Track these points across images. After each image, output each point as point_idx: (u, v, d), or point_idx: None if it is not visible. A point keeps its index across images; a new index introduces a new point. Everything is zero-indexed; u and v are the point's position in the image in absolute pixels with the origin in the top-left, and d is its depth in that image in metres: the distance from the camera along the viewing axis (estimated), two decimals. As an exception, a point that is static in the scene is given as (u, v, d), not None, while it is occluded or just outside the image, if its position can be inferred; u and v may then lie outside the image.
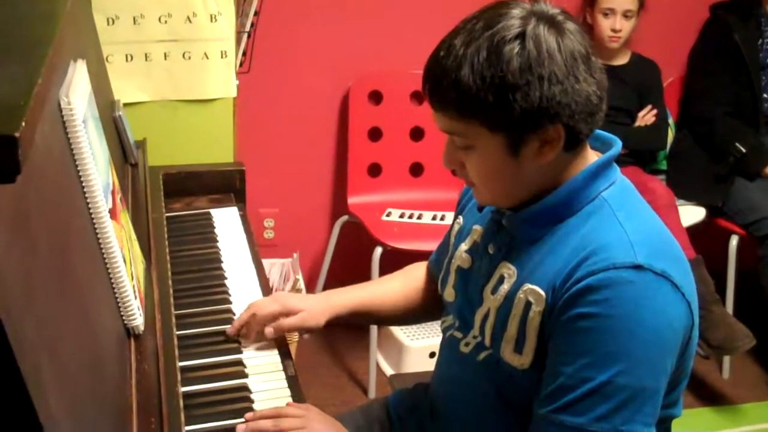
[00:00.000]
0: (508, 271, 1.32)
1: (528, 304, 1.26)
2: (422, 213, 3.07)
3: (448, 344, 1.49)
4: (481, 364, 1.38)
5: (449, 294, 1.48)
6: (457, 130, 1.25)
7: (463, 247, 1.45)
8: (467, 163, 1.29)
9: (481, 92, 1.19)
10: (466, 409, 1.44)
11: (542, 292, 1.25)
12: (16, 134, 0.60)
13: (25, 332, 0.77)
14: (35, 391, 0.75)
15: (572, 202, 1.27)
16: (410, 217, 3.06)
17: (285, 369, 1.55)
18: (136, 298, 1.34)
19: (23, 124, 0.61)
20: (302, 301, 1.60)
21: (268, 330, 1.55)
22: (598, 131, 1.34)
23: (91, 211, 1.24)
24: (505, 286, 1.31)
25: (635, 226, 1.24)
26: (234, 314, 1.69)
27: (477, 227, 1.44)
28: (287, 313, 1.57)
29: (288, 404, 1.44)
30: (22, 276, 0.80)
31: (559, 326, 1.22)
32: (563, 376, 1.20)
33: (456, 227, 1.53)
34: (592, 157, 1.31)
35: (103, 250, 1.26)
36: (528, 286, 1.27)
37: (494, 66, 1.18)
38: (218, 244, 1.96)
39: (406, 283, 1.69)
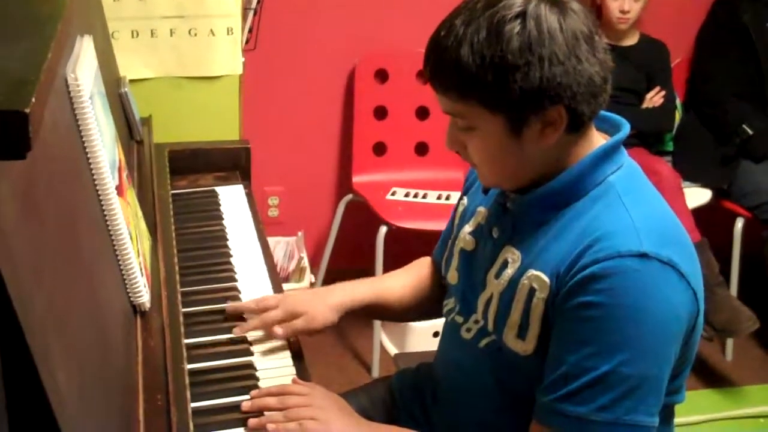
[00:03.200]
0: (512, 256, 1.31)
1: (532, 291, 1.26)
2: (427, 192, 3.07)
3: (450, 328, 1.49)
4: (482, 351, 1.37)
5: (452, 276, 1.47)
6: (458, 111, 1.24)
7: (467, 229, 1.45)
8: (469, 145, 1.28)
9: (480, 72, 1.18)
10: (466, 395, 1.44)
11: (546, 279, 1.23)
12: (27, 110, 0.60)
13: (35, 309, 0.77)
14: (44, 368, 0.75)
15: (578, 186, 1.26)
16: (415, 196, 3.05)
17: (290, 347, 1.55)
18: (142, 275, 1.34)
19: (33, 99, 0.61)
20: (306, 303, 1.57)
21: (278, 330, 1.53)
22: (606, 113, 1.32)
23: (97, 187, 1.24)
24: (509, 271, 1.30)
25: (642, 212, 1.23)
26: (239, 292, 1.69)
27: (481, 209, 1.43)
28: (292, 317, 1.55)
29: (293, 380, 1.44)
30: (32, 252, 0.80)
31: (563, 314, 1.21)
32: (566, 365, 1.19)
33: (461, 208, 1.52)
34: (598, 139, 1.30)
35: (110, 227, 1.26)
36: (532, 271, 1.26)
37: (494, 45, 1.17)
38: (224, 222, 1.96)
39: (413, 278, 1.67)
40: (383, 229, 2.88)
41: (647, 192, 1.30)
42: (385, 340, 3.06)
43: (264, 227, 1.98)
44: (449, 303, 1.50)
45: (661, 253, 1.18)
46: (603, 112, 1.31)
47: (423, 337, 2.91)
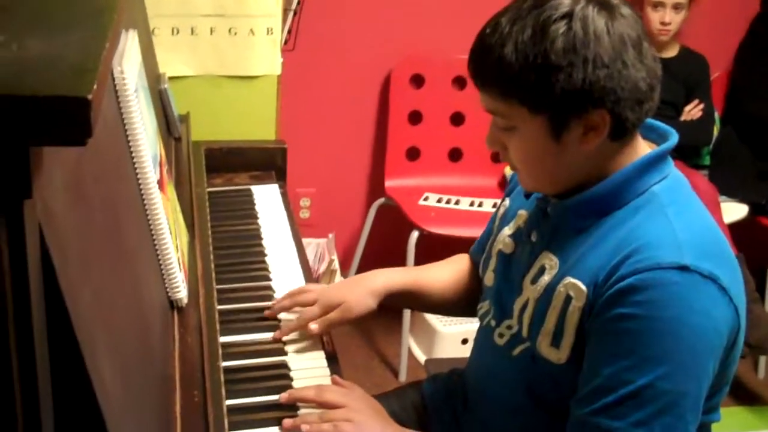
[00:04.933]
0: (550, 262, 1.29)
1: (568, 298, 1.24)
2: (460, 199, 3.06)
3: (483, 333, 1.48)
4: (515, 359, 1.36)
5: (489, 278, 1.46)
6: (499, 110, 1.23)
7: (507, 231, 1.44)
8: (510, 146, 1.26)
9: (523, 71, 1.17)
10: (496, 403, 1.43)
11: (583, 288, 1.22)
12: (89, 96, 0.59)
13: (83, 301, 0.77)
14: (90, 360, 0.75)
15: (620, 194, 1.24)
16: (447, 202, 3.04)
17: (324, 347, 1.55)
18: (180, 270, 1.34)
19: (95, 86, 0.61)
20: (343, 292, 1.55)
21: (312, 327, 1.52)
22: (654, 122, 1.31)
23: (139, 181, 1.24)
24: (546, 278, 1.29)
25: (685, 223, 1.21)
26: (273, 291, 1.69)
27: (522, 212, 1.41)
28: (330, 310, 1.53)
29: (333, 379, 1.44)
30: (81, 243, 0.80)
31: (600, 325, 1.19)
32: (602, 378, 1.18)
33: (502, 209, 1.51)
34: (644, 148, 1.28)
35: (150, 221, 1.26)
36: (569, 279, 1.24)
37: (538, 45, 1.16)
38: (258, 221, 1.96)
39: (453, 272, 1.65)
40: (414, 234, 2.87)
41: (692, 204, 1.28)
42: (413, 345, 3.05)
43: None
44: (484, 306, 1.49)
45: (702, 266, 1.16)
46: (651, 121, 1.29)
47: (451, 343, 2.90)
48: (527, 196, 1.40)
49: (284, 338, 1.55)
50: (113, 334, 0.88)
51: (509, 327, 1.38)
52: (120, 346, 0.91)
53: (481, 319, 1.49)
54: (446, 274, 1.65)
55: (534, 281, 1.32)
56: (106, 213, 0.98)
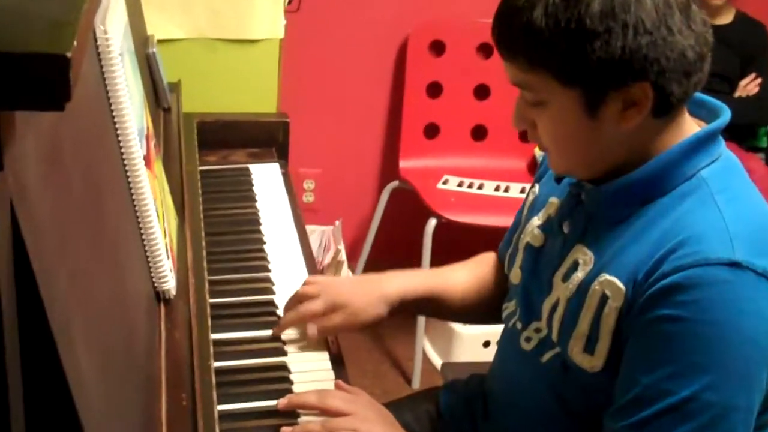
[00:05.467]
0: (584, 257, 1.29)
1: (604, 298, 1.23)
2: (484, 183, 3.06)
3: (508, 337, 1.47)
4: (543, 366, 1.36)
5: (515, 275, 1.46)
6: (527, 82, 1.23)
7: (536, 221, 1.43)
8: (539, 123, 1.26)
9: (553, 38, 1.16)
10: (522, 414, 1.43)
11: (621, 286, 1.21)
12: (69, 54, 0.59)
13: (58, 286, 0.77)
14: (65, 349, 0.75)
15: (664, 179, 1.23)
16: (470, 186, 3.05)
17: (329, 348, 1.55)
18: (168, 258, 1.35)
19: (75, 43, 0.60)
20: (350, 294, 1.54)
21: (311, 330, 1.53)
22: (703, 96, 1.30)
23: (123, 156, 1.24)
24: (579, 274, 1.28)
25: (737, 213, 1.19)
26: (273, 284, 1.69)
27: (553, 200, 1.41)
28: (333, 309, 1.53)
29: (336, 384, 1.45)
30: (56, 219, 0.81)
31: (639, 328, 1.18)
32: (640, 387, 1.17)
33: (531, 197, 1.51)
34: (692, 126, 1.27)
35: (135, 201, 1.26)
36: (605, 276, 1.24)
37: (571, 8, 1.15)
38: (257, 205, 1.97)
39: (477, 275, 1.65)
40: (432, 222, 2.88)
41: (746, 190, 1.27)
42: (429, 348, 3.06)
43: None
44: (509, 306, 1.49)
45: (756, 262, 1.15)
46: (699, 95, 1.28)
47: (472, 346, 2.91)
48: (558, 181, 1.39)
49: (284, 337, 1.55)
50: (92, 325, 0.89)
51: (537, 330, 1.38)
52: (99, 340, 0.92)
53: (506, 321, 1.49)
54: (469, 277, 1.64)
55: (566, 278, 1.31)
56: (85, 190, 0.98)
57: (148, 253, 1.31)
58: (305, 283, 1.59)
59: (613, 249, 1.25)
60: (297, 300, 1.56)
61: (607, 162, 1.26)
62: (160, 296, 1.34)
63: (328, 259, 2.87)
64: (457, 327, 2.94)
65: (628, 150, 1.24)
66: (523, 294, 1.43)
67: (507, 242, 1.60)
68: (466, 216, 2.87)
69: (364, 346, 3.05)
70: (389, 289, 1.55)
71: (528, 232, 1.44)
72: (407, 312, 1.62)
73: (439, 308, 1.64)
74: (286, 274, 1.73)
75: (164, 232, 1.36)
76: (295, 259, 1.80)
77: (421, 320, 2.93)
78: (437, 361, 2.98)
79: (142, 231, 1.29)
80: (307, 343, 1.54)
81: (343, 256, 2.89)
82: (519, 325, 1.42)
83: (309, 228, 2.95)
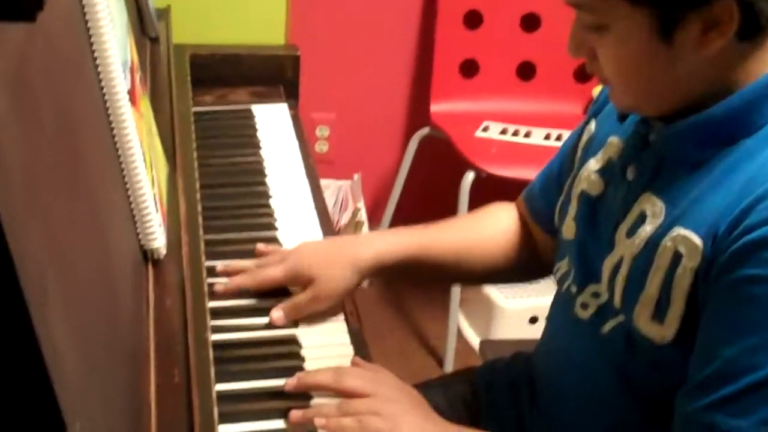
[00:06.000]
0: (653, 208, 1.29)
1: (677, 256, 1.24)
2: (531, 130, 3.06)
3: (562, 302, 1.49)
4: (604, 339, 1.36)
5: (568, 229, 1.47)
6: (587, 2, 1.23)
7: (593, 164, 1.44)
8: (600, 51, 1.27)
9: None
10: (577, 397, 1.44)
11: (698, 241, 1.21)
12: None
13: (29, 238, 0.77)
14: (38, 316, 0.75)
15: (750, 116, 1.23)
16: (515, 134, 3.05)
17: (348, 320, 1.56)
18: (157, 211, 1.35)
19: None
20: (312, 263, 1.55)
21: (276, 315, 1.53)
22: None
23: (104, 89, 1.24)
24: (647, 228, 1.29)
25: None
26: (280, 244, 1.71)
27: (614, 140, 1.41)
28: (296, 281, 1.55)
29: (353, 361, 1.46)
30: (26, 160, 0.80)
31: (720, 291, 1.19)
32: (720, 360, 1.17)
33: (585, 136, 1.51)
34: None
35: (118, 142, 1.27)
36: (679, 230, 1.24)
37: None
38: (261, 152, 1.98)
39: (478, 228, 1.68)
40: (469, 176, 2.88)
41: None
42: (464, 325, 3.07)
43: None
44: (562, 266, 1.49)
45: None
46: None
47: (516, 322, 2.93)
48: (622, 118, 1.40)
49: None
50: (69, 286, 0.89)
51: (595, 295, 1.38)
52: (77, 305, 0.92)
53: (559, 283, 1.50)
54: (468, 233, 1.67)
55: (630, 233, 1.31)
56: (59, 127, 0.98)
57: (133, 205, 1.31)
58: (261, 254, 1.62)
59: (687, 198, 1.25)
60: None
61: (682, 95, 1.26)
62: (147, 256, 1.35)
63: (345, 220, 2.88)
64: (499, 300, 2.96)
65: (706, 81, 1.24)
66: (579, 252, 1.44)
67: (539, 190, 1.63)
68: (510, 169, 2.87)
69: (386, 322, 3.05)
70: (362, 254, 1.57)
71: (583, 178, 1.44)
72: (390, 279, 1.63)
73: (427, 272, 1.66)
74: (295, 233, 1.74)
75: (152, 180, 1.37)
76: (306, 216, 1.82)
77: (455, 292, 2.94)
78: (474, 340, 3.00)
79: (126, 178, 1.29)
80: (323, 316, 1.56)
81: (363, 216, 2.90)
82: (573, 289, 1.43)
83: (323, 183, 2.96)
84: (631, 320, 1.30)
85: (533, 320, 2.91)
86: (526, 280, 1.80)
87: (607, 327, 1.36)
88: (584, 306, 1.40)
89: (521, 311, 2.92)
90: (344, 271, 1.55)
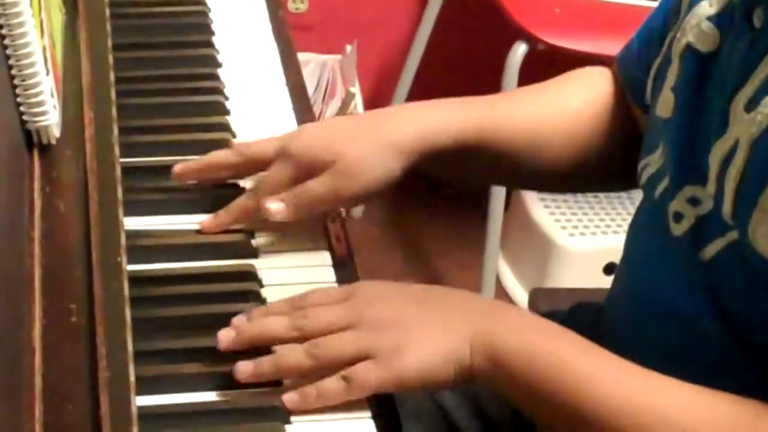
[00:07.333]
0: None
1: None
2: (608, -18, 3.07)
3: (649, 217, 1.49)
4: (706, 267, 1.36)
5: (664, 104, 1.46)
6: None
7: (705, 8, 1.43)
8: None
9: None
10: (666, 354, 1.42)
11: None
12: None
13: None
14: None
15: None
16: (585, -11, 3.05)
17: (330, 245, 1.57)
18: (48, 74, 1.36)
19: None
20: (333, 139, 1.53)
21: (274, 206, 1.51)
22: None
23: None
24: (776, 99, 1.30)
25: None
26: (232, 134, 1.72)
27: None
28: (307, 173, 1.52)
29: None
30: None
31: None
32: None
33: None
34: None
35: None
36: None
37: None
38: (208, 4, 2.00)
39: (573, 95, 1.70)
40: (520, 49, 2.91)
41: None
42: (506, 272, 3.09)
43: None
44: (651, 160, 1.50)
45: None
46: None
47: (582, 269, 2.98)
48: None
49: (253, 223, 1.56)
50: None
51: (694, 201, 1.38)
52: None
53: (646, 190, 1.51)
54: (548, 107, 1.68)
55: (751, 106, 1.30)
56: None
57: (12, 65, 1.32)
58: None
59: None
60: (246, 160, 1.58)
61: None
62: (32, 139, 1.36)
63: (332, 109, 2.88)
64: (559, 236, 3.00)
65: None
66: (677, 135, 1.43)
67: (638, 48, 1.64)
68: (577, 40, 2.92)
69: (395, 264, 3.10)
70: (402, 132, 1.56)
71: (690, 28, 1.44)
72: (436, 172, 1.62)
73: (491, 162, 1.66)
74: (256, 119, 1.76)
75: (41, 30, 1.37)
76: (275, 100, 1.83)
77: (496, 219, 2.96)
78: (519, 294, 3.02)
79: (2, 26, 1.30)
80: (294, 237, 1.56)
81: (358, 105, 2.90)
82: (668, 192, 1.42)
83: (302, 57, 2.95)
84: (746, 235, 1.30)
85: (608, 269, 2.93)
86: (621, 185, 1.82)
87: (711, 250, 1.36)
88: (678, 217, 1.40)
89: (590, 254, 2.95)
90: (381, 151, 1.53)
